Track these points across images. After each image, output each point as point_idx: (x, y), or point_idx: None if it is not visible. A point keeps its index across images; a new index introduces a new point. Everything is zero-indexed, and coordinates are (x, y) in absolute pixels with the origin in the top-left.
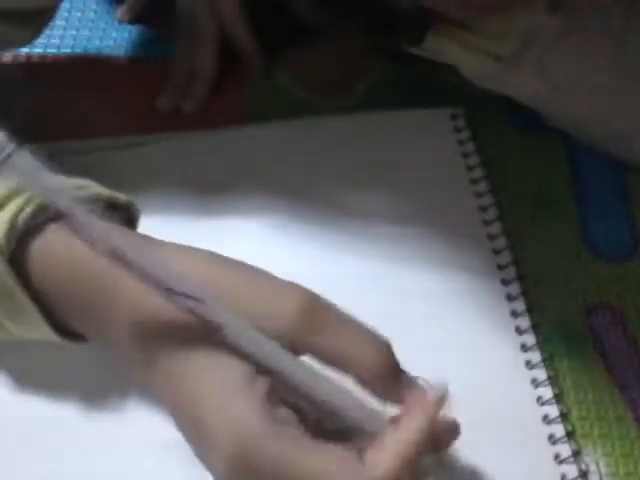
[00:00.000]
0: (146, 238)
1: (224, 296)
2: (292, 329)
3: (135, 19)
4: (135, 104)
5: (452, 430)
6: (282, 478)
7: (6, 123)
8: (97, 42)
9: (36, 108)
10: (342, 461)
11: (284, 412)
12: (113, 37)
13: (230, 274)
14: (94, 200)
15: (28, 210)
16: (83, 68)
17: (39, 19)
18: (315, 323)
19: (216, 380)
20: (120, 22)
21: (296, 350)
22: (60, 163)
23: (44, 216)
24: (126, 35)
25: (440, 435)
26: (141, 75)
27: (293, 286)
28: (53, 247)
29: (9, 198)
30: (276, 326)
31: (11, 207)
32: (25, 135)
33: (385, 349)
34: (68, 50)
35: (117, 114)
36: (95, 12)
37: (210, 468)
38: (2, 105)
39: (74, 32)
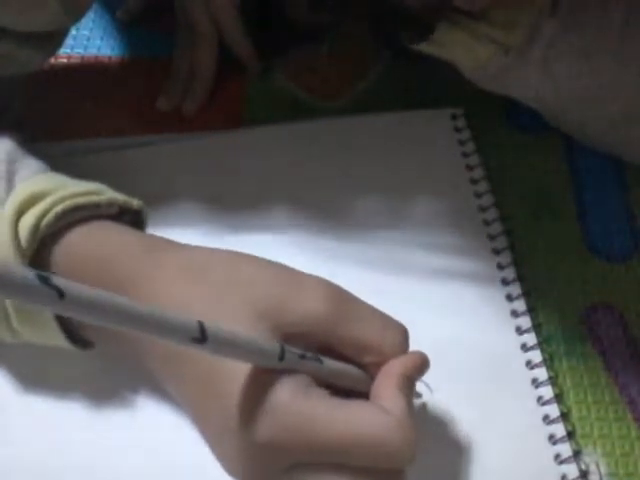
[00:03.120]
0: (162, 240)
1: (251, 291)
2: (322, 320)
3: (135, 19)
4: (135, 104)
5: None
6: (317, 435)
7: (6, 123)
8: (97, 42)
9: (36, 108)
10: (370, 410)
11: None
12: (113, 37)
13: (255, 269)
14: (109, 205)
15: (52, 214)
16: (83, 68)
17: (50, 41)
18: (343, 313)
19: (250, 370)
20: (120, 22)
21: (325, 341)
22: (60, 163)
23: (67, 220)
24: (126, 35)
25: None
26: (141, 75)
27: (317, 279)
28: (74, 252)
29: (33, 202)
30: (305, 318)
31: (35, 211)
32: (26, 135)
33: (405, 335)
34: (68, 50)
35: (117, 114)
36: (95, 12)
37: (235, 446)
38: (3, 105)
39: (74, 32)
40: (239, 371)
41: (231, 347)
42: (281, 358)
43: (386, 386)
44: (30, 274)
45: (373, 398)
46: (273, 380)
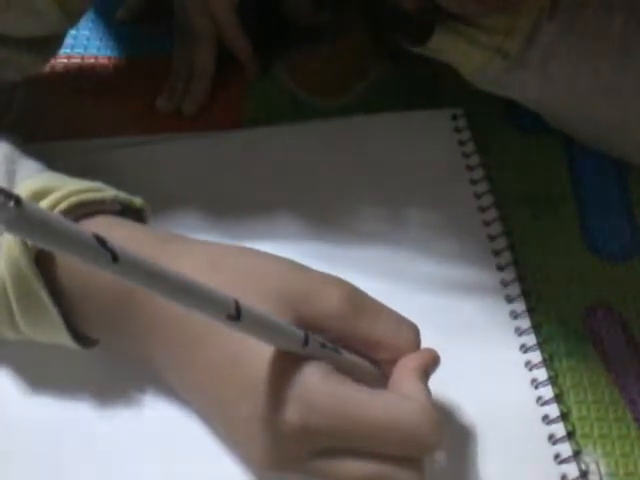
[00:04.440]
0: (169, 234)
1: (273, 283)
2: (340, 317)
3: (135, 19)
4: (135, 104)
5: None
6: (348, 418)
7: (6, 123)
8: (97, 42)
9: (36, 108)
10: (398, 396)
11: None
12: (113, 37)
13: (273, 263)
14: (112, 202)
15: (57, 211)
16: (83, 68)
17: (48, 45)
18: (359, 311)
19: (275, 355)
20: (120, 22)
21: (340, 336)
22: (60, 163)
23: (73, 216)
24: (126, 35)
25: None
26: (141, 75)
27: (335, 277)
28: None
29: (37, 199)
30: (325, 313)
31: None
32: (25, 135)
33: (417, 333)
34: (68, 50)
35: (117, 114)
36: (95, 12)
37: (262, 433)
38: (3, 105)
39: (74, 32)
40: (265, 357)
41: (261, 327)
42: (305, 344)
43: (406, 378)
44: (88, 234)
45: (392, 390)
46: (300, 365)
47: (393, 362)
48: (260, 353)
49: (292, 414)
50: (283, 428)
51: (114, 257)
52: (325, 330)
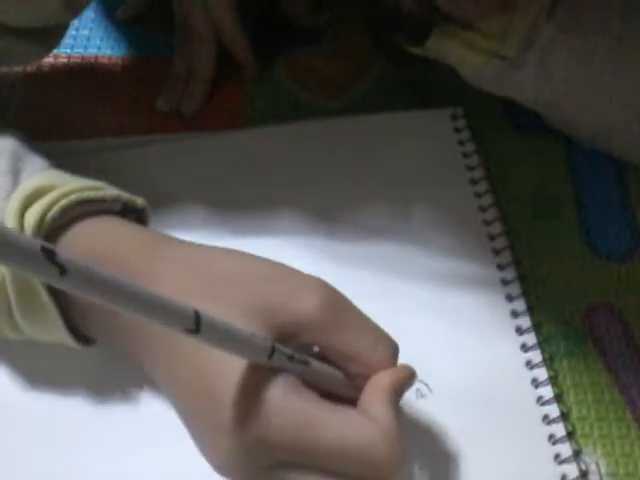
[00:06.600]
0: (165, 237)
1: (248, 288)
2: (314, 325)
3: (135, 19)
4: (135, 104)
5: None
6: (305, 438)
7: (7, 123)
8: (97, 42)
9: (36, 108)
10: (359, 419)
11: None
12: (113, 37)
13: (254, 267)
14: (113, 201)
15: (57, 207)
16: (83, 68)
17: (50, 36)
18: (336, 321)
19: (242, 366)
20: (120, 22)
21: (314, 343)
22: (60, 163)
23: (72, 214)
24: (126, 35)
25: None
26: (141, 75)
27: (317, 281)
28: (78, 245)
29: (39, 196)
30: (298, 320)
31: (40, 204)
32: (25, 135)
33: (396, 351)
34: (68, 50)
35: (117, 114)
36: (95, 12)
37: (224, 442)
38: (3, 105)
39: (74, 32)
40: (231, 369)
41: (223, 340)
42: (270, 356)
43: (375, 398)
44: (37, 247)
45: (361, 409)
46: (265, 378)
47: (365, 377)
48: (226, 365)
49: (252, 429)
50: (244, 441)
51: (62, 271)
52: (300, 336)
